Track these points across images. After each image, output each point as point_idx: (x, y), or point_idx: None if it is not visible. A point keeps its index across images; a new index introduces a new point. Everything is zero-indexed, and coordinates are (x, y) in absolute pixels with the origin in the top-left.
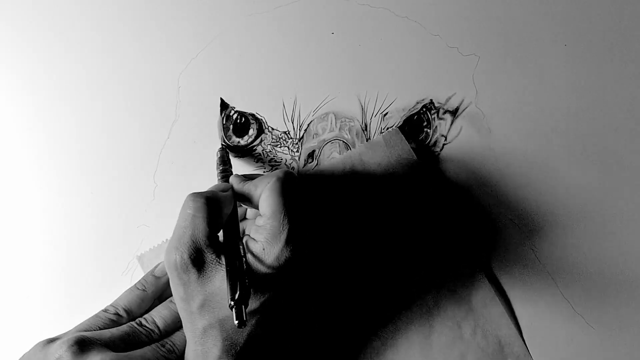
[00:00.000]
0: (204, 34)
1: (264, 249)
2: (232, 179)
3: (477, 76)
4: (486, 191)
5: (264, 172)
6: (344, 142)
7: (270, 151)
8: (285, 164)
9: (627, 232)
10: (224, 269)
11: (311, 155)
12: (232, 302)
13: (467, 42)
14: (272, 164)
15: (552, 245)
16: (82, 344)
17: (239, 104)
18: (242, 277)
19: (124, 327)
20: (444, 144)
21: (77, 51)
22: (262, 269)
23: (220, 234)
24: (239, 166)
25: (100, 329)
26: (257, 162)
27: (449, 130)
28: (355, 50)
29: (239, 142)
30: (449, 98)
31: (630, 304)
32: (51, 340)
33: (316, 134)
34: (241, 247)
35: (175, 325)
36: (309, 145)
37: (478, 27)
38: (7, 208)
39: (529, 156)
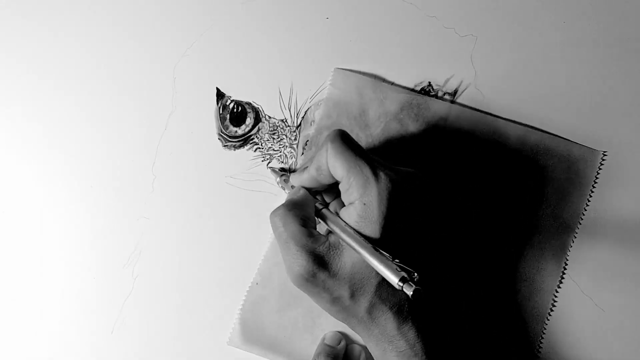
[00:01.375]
0: (198, 24)
1: (364, 204)
2: (292, 179)
3: (475, 57)
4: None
5: (264, 161)
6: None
7: (268, 139)
8: (289, 147)
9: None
10: (342, 249)
11: (309, 142)
12: (398, 283)
13: (464, 23)
14: (270, 152)
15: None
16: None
17: (236, 93)
18: (378, 255)
19: None
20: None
21: (72, 44)
22: (374, 225)
23: (322, 227)
24: (236, 156)
25: None
26: (255, 151)
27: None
28: (351, 35)
29: (236, 131)
30: (448, 80)
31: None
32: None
33: (313, 120)
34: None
35: None
36: (306, 132)
37: (475, 7)
38: (6, 203)
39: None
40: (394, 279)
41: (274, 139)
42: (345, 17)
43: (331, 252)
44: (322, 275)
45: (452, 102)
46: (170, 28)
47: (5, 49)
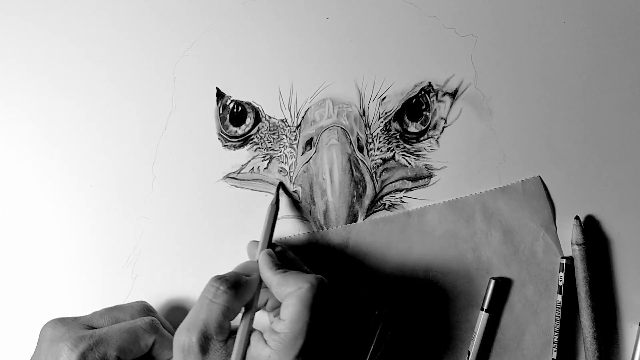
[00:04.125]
0: (199, 23)
1: (269, 357)
2: (262, 260)
3: (475, 57)
4: (487, 173)
5: (264, 161)
6: (342, 128)
7: (268, 140)
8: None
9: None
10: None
11: (309, 142)
12: None
13: (464, 23)
14: (270, 152)
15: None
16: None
17: (236, 93)
18: None
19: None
20: (443, 127)
21: (72, 44)
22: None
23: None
24: (236, 156)
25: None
26: (255, 151)
27: (448, 112)
28: (351, 35)
29: (236, 131)
30: (448, 80)
31: None
32: (69, 320)
33: (314, 120)
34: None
35: None
36: (306, 132)
37: (475, 7)
38: (6, 202)
39: (530, 137)
40: None
41: (274, 139)
42: (345, 17)
43: (219, 353)
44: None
45: (453, 102)
46: (170, 28)
47: (5, 49)
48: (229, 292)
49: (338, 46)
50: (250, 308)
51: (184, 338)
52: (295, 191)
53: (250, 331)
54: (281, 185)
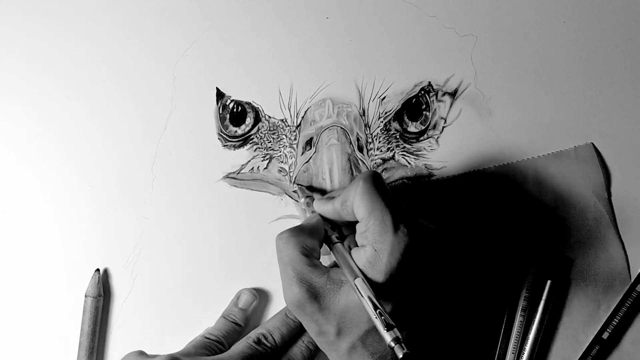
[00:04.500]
0: (198, 23)
1: (375, 250)
2: (315, 205)
3: (475, 56)
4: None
5: (263, 161)
6: (341, 128)
7: (267, 139)
8: (288, 147)
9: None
10: (341, 286)
11: (309, 142)
12: (390, 343)
13: (464, 22)
14: (270, 152)
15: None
16: None
17: (235, 93)
18: (380, 315)
19: (240, 347)
20: (443, 127)
21: (72, 43)
22: (379, 275)
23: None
24: (236, 156)
25: (202, 353)
26: (255, 150)
27: (448, 112)
28: (351, 35)
29: (236, 131)
30: (448, 80)
31: None
32: (146, 355)
33: (313, 120)
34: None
35: (291, 338)
36: (306, 132)
37: (475, 7)
38: (6, 202)
39: (530, 137)
40: (387, 337)
41: (273, 138)
42: (345, 17)
43: (327, 287)
44: (311, 307)
45: (453, 102)
46: (170, 28)
47: (5, 48)
48: (294, 234)
49: (338, 46)
50: (330, 241)
51: (292, 296)
52: (295, 191)
53: (346, 249)
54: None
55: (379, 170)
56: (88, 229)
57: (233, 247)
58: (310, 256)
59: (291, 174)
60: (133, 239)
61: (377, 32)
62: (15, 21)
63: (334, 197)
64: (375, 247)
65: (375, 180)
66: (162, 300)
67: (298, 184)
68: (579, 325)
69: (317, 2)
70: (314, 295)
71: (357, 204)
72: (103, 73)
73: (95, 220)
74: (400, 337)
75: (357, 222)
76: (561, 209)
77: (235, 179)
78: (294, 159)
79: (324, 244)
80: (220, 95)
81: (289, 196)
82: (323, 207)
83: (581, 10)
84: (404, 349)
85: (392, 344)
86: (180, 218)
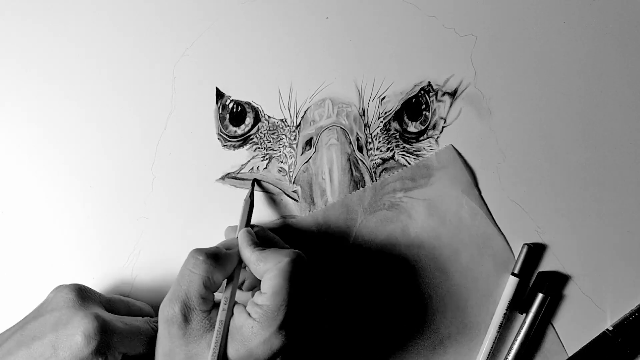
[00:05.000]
0: (198, 23)
1: (252, 327)
2: (241, 237)
3: (475, 56)
4: (487, 173)
5: (263, 161)
6: (341, 128)
7: (267, 139)
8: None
9: (630, 211)
10: (210, 333)
11: (309, 142)
12: None
13: (464, 22)
14: (270, 152)
15: (556, 226)
16: (83, 292)
17: (235, 93)
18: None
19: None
20: (443, 127)
21: (71, 43)
22: (244, 349)
23: (220, 293)
24: (236, 156)
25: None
26: (254, 150)
27: (448, 112)
28: (350, 35)
29: (235, 131)
30: (448, 80)
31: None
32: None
33: (313, 120)
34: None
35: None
36: (306, 132)
37: (475, 7)
38: (6, 203)
39: (530, 137)
40: None
41: (273, 138)
42: (345, 17)
43: (201, 325)
44: (179, 331)
45: (452, 102)
46: (169, 28)
47: (4, 48)
48: (207, 262)
49: (337, 46)
50: (232, 280)
51: (168, 309)
52: (295, 191)
53: (233, 304)
54: (255, 181)
55: (378, 170)
56: (88, 229)
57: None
58: (208, 289)
59: (291, 174)
60: (133, 239)
61: (377, 32)
62: (15, 21)
63: (258, 250)
64: (253, 326)
65: (297, 267)
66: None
67: (256, 180)
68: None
69: (317, 2)
70: (187, 323)
71: (268, 278)
72: (103, 73)
73: (95, 221)
74: None
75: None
76: (435, 217)
77: (235, 178)
78: (293, 159)
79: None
80: (220, 95)
81: (289, 196)
82: (245, 250)
83: (581, 10)
84: None
85: None
86: (180, 218)
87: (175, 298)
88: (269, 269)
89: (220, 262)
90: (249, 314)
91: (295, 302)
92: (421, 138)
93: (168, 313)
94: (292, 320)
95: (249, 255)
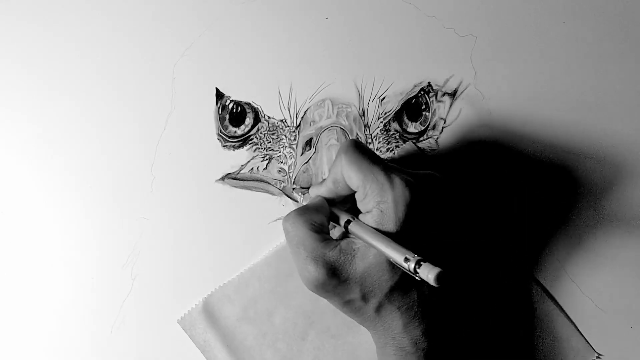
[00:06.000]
0: (197, 23)
1: (381, 211)
2: (311, 191)
3: (475, 57)
4: (488, 174)
5: (263, 161)
6: (341, 128)
7: (267, 140)
8: (284, 149)
9: (631, 209)
10: (355, 254)
11: (309, 142)
12: (418, 277)
13: (464, 23)
14: (270, 152)
15: (556, 226)
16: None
17: (235, 93)
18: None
19: None
20: (443, 127)
21: (71, 43)
22: (391, 227)
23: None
24: (235, 157)
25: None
26: (254, 151)
27: (448, 112)
28: (350, 35)
29: (235, 131)
30: (447, 80)
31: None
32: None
33: (313, 121)
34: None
35: None
36: (306, 132)
37: (475, 7)
38: (6, 203)
39: (530, 138)
40: (410, 266)
41: (273, 139)
42: (345, 17)
43: (342, 258)
44: (331, 283)
45: (452, 102)
46: (169, 28)
47: (4, 48)
48: (300, 214)
49: (337, 46)
50: (336, 211)
51: (308, 276)
52: (294, 189)
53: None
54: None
55: None
56: (88, 230)
57: (232, 247)
58: (320, 232)
59: (291, 175)
60: (133, 239)
61: (377, 32)
62: (14, 21)
63: (324, 180)
64: (380, 208)
65: (356, 147)
66: (161, 301)
67: (294, 188)
68: None
69: (316, 2)
70: (331, 270)
71: (348, 176)
72: (103, 73)
73: (94, 221)
74: (421, 259)
75: (354, 193)
76: None
77: (235, 179)
78: (293, 160)
79: (330, 222)
80: (219, 95)
81: (288, 196)
82: (319, 191)
83: (581, 10)
84: (436, 270)
85: (420, 273)
86: (180, 218)
87: (305, 263)
88: (341, 174)
89: (311, 207)
90: (368, 212)
91: (380, 163)
92: (421, 138)
93: (312, 278)
94: (393, 172)
95: (325, 187)
